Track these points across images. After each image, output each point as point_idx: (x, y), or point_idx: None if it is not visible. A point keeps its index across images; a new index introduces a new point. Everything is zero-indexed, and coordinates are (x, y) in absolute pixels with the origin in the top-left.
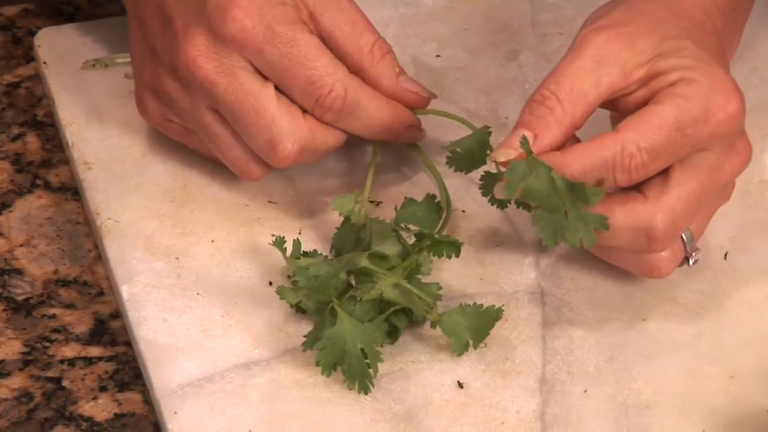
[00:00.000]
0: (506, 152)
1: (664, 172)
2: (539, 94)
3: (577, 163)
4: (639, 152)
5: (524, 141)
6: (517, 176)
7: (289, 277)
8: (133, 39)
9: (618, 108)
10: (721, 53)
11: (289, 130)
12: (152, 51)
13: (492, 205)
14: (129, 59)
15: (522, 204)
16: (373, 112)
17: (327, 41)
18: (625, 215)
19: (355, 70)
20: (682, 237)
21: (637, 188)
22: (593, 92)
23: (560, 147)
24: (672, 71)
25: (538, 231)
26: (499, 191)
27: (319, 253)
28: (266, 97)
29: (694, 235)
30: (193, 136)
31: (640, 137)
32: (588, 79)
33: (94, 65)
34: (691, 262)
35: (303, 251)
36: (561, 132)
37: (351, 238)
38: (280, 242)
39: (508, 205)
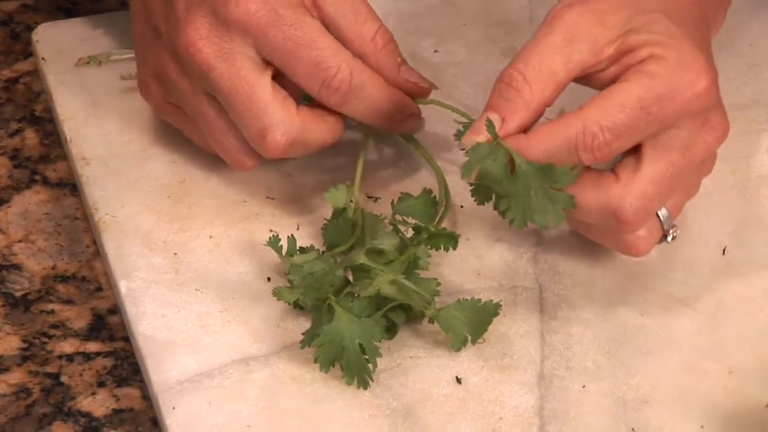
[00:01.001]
0: (474, 138)
1: (637, 152)
2: (507, 74)
3: (541, 144)
4: (601, 131)
5: (490, 125)
6: (477, 158)
7: (286, 274)
8: (137, 20)
9: (591, 84)
10: (701, 23)
11: (281, 120)
12: (155, 32)
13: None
14: (124, 56)
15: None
16: (378, 96)
17: (329, 28)
18: (595, 195)
19: (356, 57)
20: (658, 215)
21: (611, 166)
22: (563, 70)
23: (529, 127)
24: (642, 47)
25: (506, 215)
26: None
27: (315, 248)
28: (261, 86)
29: (671, 212)
30: (191, 124)
31: (602, 116)
32: (558, 57)
33: (88, 62)
34: (669, 239)
35: (299, 247)
36: (529, 114)
37: (344, 230)
38: (274, 241)
39: (486, 203)
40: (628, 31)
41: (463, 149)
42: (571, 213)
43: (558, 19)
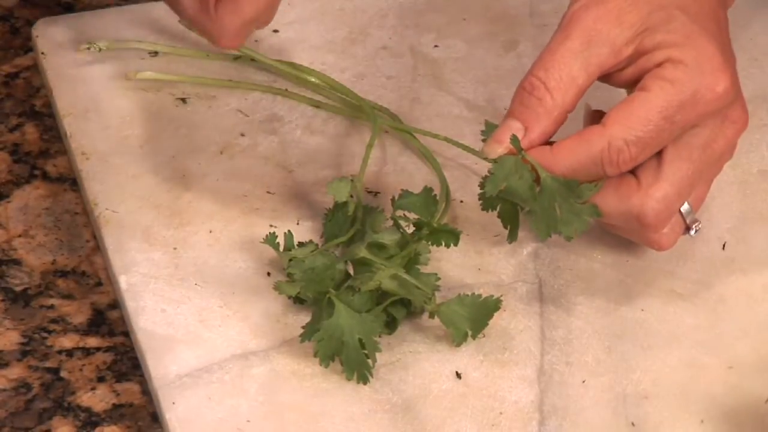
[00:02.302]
0: (496, 148)
1: (658, 153)
2: (528, 82)
3: (566, 161)
4: (627, 146)
5: (514, 139)
6: (503, 173)
7: (285, 269)
8: None
9: (610, 82)
10: (718, 7)
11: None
12: None
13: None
14: (125, 45)
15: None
16: None
17: None
18: (617, 201)
19: None
20: (680, 211)
21: (632, 170)
22: (583, 75)
23: (551, 135)
24: (659, 49)
25: (531, 224)
26: (484, 186)
27: (314, 243)
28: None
29: (693, 205)
30: None
31: (627, 131)
32: (577, 62)
33: (88, 48)
34: (692, 232)
35: (298, 242)
36: (551, 122)
37: (344, 223)
38: (271, 239)
39: (490, 211)
40: (646, 29)
41: (484, 157)
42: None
43: (575, 22)
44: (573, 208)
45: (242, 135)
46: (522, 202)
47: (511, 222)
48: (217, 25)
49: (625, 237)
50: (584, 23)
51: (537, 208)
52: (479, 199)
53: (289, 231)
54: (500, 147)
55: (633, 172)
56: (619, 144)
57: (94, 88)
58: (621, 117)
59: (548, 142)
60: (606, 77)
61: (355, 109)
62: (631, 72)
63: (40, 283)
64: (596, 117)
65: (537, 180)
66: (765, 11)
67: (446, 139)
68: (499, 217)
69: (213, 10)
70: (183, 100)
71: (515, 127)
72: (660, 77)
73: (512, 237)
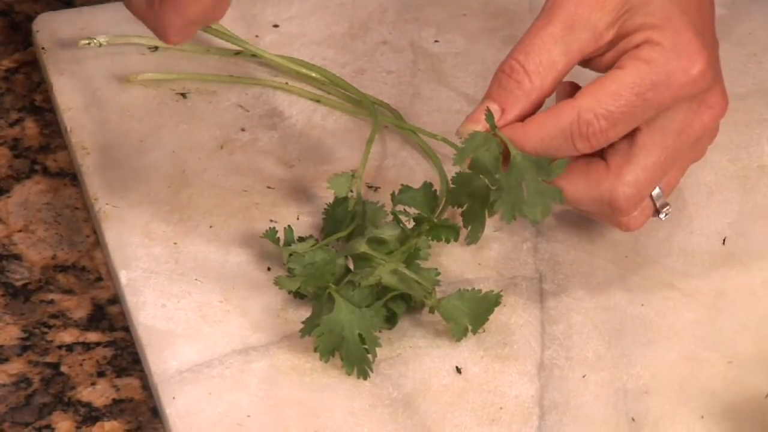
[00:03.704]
0: (472, 126)
1: (631, 136)
2: (508, 65)
3: (536, 134)
4: (596, 119)
5: (489, 115)
6: (471, 147)
7: (285, 264)
8: None
9: (590, 67)
10: None
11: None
12: None
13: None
14: (125, 40)
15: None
16: None
17: None
18: (587, 187)
19: None
20: (651, 195)
21: (602, 153)
22: (563, 60)
23: (526, 118)
24: (638, 32)
25: (494, 207)
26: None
27: (314, 238)
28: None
29: (665, 190)
30: None
31: (597, 104)
32: (557, 47)
33: (89, 43)
34: (662, 216)
35: (298, 237)
36: (528, 105)
37: (344, 218)
38: (271, 234)
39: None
40: (626, 12)
41: (460, 137)
42: (567, 200)
43: (557, 7)
44: (540, 187)
45: (242, 130)
46: (488, 177)
47: (473, 222)
48: (160, 23)
49: (595, 218)
50: (566, 8)
51: (504, 185)
52: (448, 192)
53: (289, 226)
54: (476, 126)
55: (604, 157)
56: (589, 117)
57: (95, 83)
58: (592, 91)
59: None
60: (587, 62)
61: (355, 104)
62: (611, 56)
63: (41, 278)
64: (570, 92)
65: (507, 156)
66: (762, 6)
67: (444, 140)
68: (462, 216)
69: (157, 7)
70: (183, 95)
71: (492, 108)
72: (636, 57)
73: (473, 238)
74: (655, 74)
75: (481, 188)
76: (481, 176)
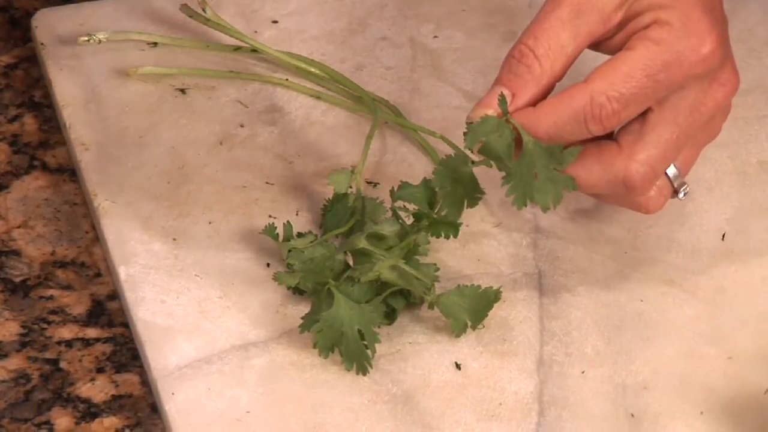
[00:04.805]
0: (483, 111)
1: (642, 116)
2: (517, 50)
3: (549, 118)
4: (609, 101)
5: (502, 99)
6: (483, 130)
7: (284, 259)
8: None
9: (600, 50)
10: None
11: None
12: None
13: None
14: (124, 36)
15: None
16: None
17: None
18: (601, 169)
19: None
20: (667, 174)
21: (613, 135)
22: (572, 44)
23: (537, 103)
24: (647, 12)
25: (507, 192)
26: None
27: (313, 233)
28: None
29: (681, 169)
30: None
31: (609, 86)
32: (566, 31)
33: (88, 40)
34: (680, 195)
35: (297, 233)
36: (539, 89)
37: (343, 214)
38: (271, 229)
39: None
40: None
41: (469, 122)
42: (581, 186)
43: None
44: (551, 175)
45: (242, 126)
46: (498, 163)
47: (451, 206)
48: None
49: (611, 204)
50: None
51: (515, 172)
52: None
53: (288, 222)
54: (487, 110)
55: (615, 138)
56: (601, 99)
57: (94, 79)
58: (604, 73)
59: None
60: (596, 45)
61: (355, 100)
62: (620, 38)
63: (40, 273)
64: None
65: (518, 142)
66: (762, 2)
67: (442, 138)
68: (442, 197)
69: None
70: (182, 90)
71: (504, 93)
72: (645, 38)
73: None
74: (666, 54)
75: (466, 175)
76: (468, 165)
